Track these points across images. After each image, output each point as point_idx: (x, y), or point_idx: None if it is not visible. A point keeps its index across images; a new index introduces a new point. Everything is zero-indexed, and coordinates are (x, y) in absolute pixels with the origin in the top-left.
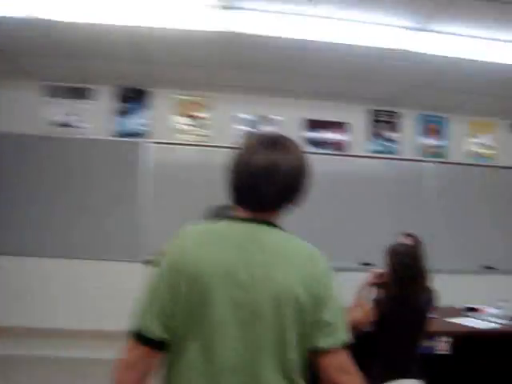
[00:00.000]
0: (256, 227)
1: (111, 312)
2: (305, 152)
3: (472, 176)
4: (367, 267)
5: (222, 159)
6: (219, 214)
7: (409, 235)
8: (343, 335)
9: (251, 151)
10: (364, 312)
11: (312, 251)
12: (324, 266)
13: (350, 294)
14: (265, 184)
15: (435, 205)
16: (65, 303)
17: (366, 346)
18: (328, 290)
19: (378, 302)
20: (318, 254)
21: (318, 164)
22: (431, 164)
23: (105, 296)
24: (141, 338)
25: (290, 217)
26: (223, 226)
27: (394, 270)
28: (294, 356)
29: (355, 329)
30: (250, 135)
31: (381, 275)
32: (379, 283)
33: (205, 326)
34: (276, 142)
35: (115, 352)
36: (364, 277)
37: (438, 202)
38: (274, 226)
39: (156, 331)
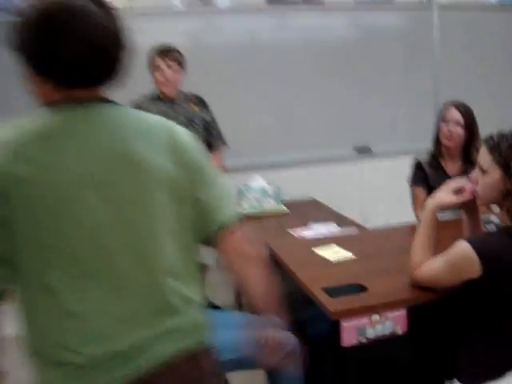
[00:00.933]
0: (95, 108)
1: None
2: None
3: None
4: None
5: None
6: None
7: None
8: (232, 211)
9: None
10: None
11: (169, 123)
12: (188, 137)
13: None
14: (99, 51)
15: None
16: None
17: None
18: (200, 161)
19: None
20: (178, 127)
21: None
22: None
23: None
24: None
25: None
26: (53, 116)
27: None
28: (186, 241)
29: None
30: None
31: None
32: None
33: (73, 242)
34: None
35: None
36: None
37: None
38: (113, 102)
39: None
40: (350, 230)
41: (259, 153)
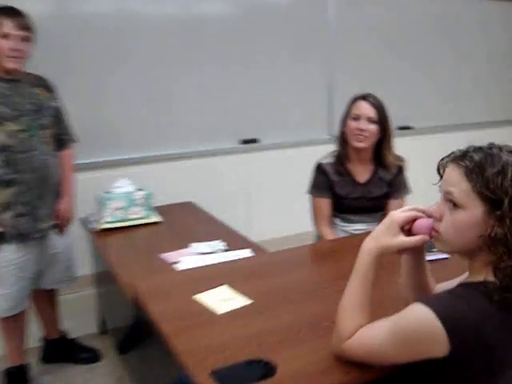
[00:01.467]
0: None
1: None
2: None
3: None
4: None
5: None
6: None
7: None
8: None
9: None
10: None
11: None
12: None
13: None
14: None
15: None
16: None
17: None
18: None
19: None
20: None
21: None
22: None
23: None
24: None
25: None
26: None
27: None
28: None
29: None
30: None
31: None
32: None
33: None
34: None
35: None
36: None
37: None
38: None
39: None
40: (242, 253)
41: (126, 149)
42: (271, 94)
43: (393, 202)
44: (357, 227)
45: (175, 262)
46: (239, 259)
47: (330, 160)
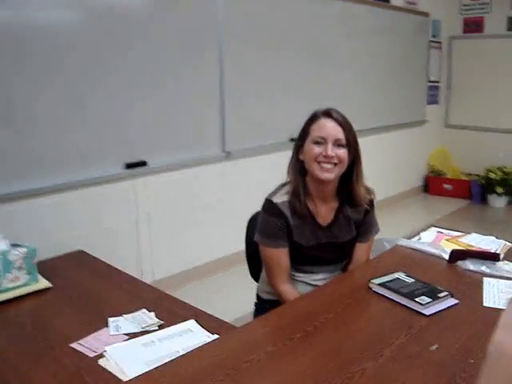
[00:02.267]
0: None
1: None
2: None
3: None
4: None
5: None
6: None
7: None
8: None
9: None
10: None
11: None
12: None
13: None
14: None
15: None
16: None
17: None
18: None
19: None
20: None
21: None
22: None
23: None
24: None
25: None
26: None
27: None
28: None
29: None
30: None
31: None
32: None
33: None
34: None
35: None
36: None
37: None
38: None
39: None
40: (197, 333)
41: None
42: (157, 109)
43: (361, 246)
44: (319, 277)
45: (98, 356)
46: (200, 348)
47: (284, 198)
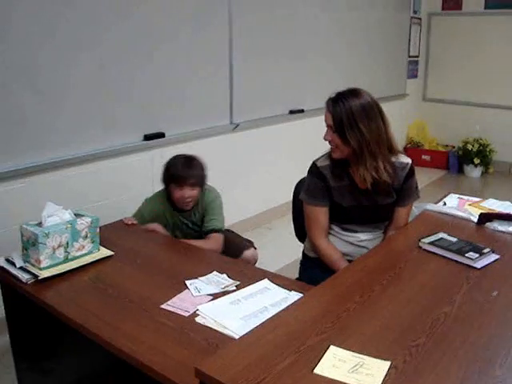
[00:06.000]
0: None
1: None
2: None
3: None
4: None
5: None
6: None
7: None
8: None
9: None
10: None
11: None
12: None
13: None
14: None
15: None
16: None
17: None
18: None
19: None
20: None
21: None
22: None
23: None
24: None
25: None
26: None
27: None
28: None
29: None
30: None
31: None
32: None
33: None
34: None
35: None
36: None
37: None
38: None
39: None
40: (277, 292)
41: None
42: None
43: (401, 210)
44: (362, 237)
45: (193, 315)
46: (295, 303)
47: (327, 161)
